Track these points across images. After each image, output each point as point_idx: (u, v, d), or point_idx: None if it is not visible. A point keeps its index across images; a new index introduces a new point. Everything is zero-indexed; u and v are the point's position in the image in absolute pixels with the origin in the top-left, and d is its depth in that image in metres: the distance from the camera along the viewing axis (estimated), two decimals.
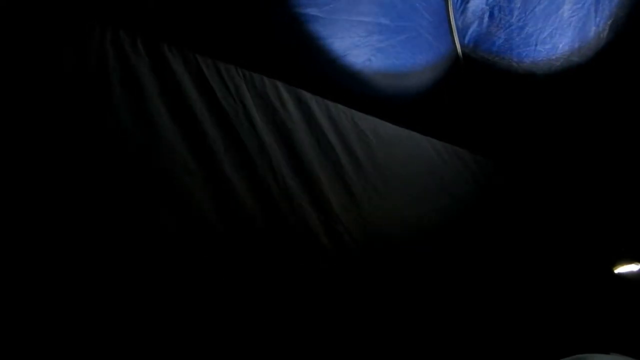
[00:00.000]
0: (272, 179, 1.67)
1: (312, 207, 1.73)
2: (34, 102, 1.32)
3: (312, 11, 2.02)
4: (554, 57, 2.72)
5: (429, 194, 2.28)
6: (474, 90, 2.98)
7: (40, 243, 1.20)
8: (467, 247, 2.31)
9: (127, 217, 1.33)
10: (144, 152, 1.42)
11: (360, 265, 1.82)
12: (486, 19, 2.98)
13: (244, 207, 1.55)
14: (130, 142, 1.41)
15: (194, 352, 1.32)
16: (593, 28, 2.50)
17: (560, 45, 2.65)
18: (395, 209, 2.06)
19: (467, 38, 3.07)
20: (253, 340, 1.43)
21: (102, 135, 1.36)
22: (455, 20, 3.13)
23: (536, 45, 2.78)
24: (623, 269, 2.61)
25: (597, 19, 2.48)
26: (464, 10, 3.07)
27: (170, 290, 1.33)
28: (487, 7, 2.94)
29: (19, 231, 1.19)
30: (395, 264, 1.93)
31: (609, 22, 2.44)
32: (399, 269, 1.93)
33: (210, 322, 1.37)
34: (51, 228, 1.23)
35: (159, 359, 1.27)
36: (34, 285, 1.16)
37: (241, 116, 1.68)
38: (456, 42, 3.08)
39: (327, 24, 2.10)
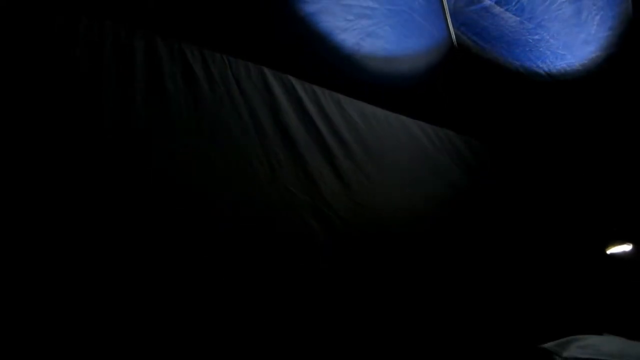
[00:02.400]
0: (259, 165, 1.66)
1: (300, 193, 1.72)
2: (24, 92, 1.32)
3: None
4: (543, 47, 2.71)
5: (418, 177, 2.26)
6: (466, 74, 2.96)
7: (37, 239, 1.20)
8: (458, 230, 2.31)
9: (114, 211, 1.32)
10: (129, 143, 1.41)
11: (351, 249, 1.81)
12: (478, 3, 2.95)
13: (231, 194, 1.55)
14: (117, 133, 1.40)
15: (184, 346, 1.32)
16: (584, 14, 2.48)
17: (550, 35, 2.64)
18: (386, 193, 2.05)
19: (459, 22, 3.04)
20: (244, 330, 1.43)
21: (87, 128, 1.35)
22: (447, 3, 3.09)
23: (526, 34, 2.76)
24: (615, 249, 2.62)
25: (588, 10, 2.47)
26: None
27: (160, 285, 1.32)
28: None
29: (18, 227, 1.18)
30: (386, 248, 1.93)
31: (600, 13, 2.43)
32: (390, 253, 1.93)
33: (199, 311, 1.37)
34: (45, 224, 1.22)
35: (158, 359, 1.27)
36: (31, 285, 1.16)
37: (226, 103, 1.67)
38: (449, 25, 3.05)
39: (312, 8, 2.07)
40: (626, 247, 2.55)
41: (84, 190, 1.30)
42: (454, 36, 3.05)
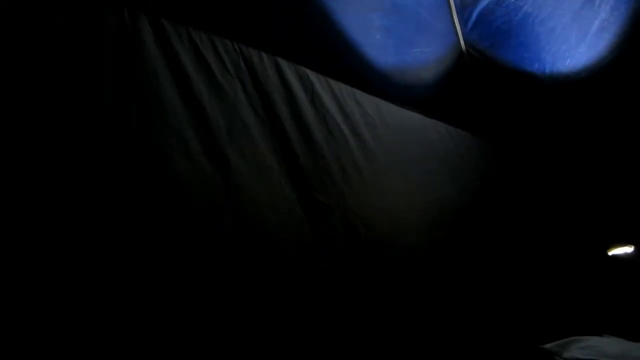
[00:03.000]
0: (276, 165, 1.57)
1: (322, 196, 1.65)
2: (26, 83, 1.18)
3: None
4: (552, 39, 2.66)
5: (435, 177, 2.25)
6: (472, 72, 2.92)
7: (37, 239, 1.10)
8: (467, 230, 2.32)
9: (122, 208, 1.22)
10: (139, 134, 1.30)
11: (373, 254, 1.77)
12: None
13: (249, 194, 1.46)
14: (123, 130, 1.28)
15: (199, 345, 1.25)
16: (596, 4, 2.40)
17: (562, 24, 2.58)
18: (405, 195, 2.03)
19: (465, 18, 2.99)
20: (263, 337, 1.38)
21: (93, 117, 1.23)
22: (454, 2, 3.03)
23: (533, 26, 2.70)
24: (617, 251, 2.65)
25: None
26: None
27: (169, 289, 1.24)
28: None
29: (18, 227, 1.08)
30: (405, 251, 1.90)
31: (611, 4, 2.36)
32: (408, 256, 1.91)
33: (216, 321, 1.30)
34: (45, 224, 1.12)
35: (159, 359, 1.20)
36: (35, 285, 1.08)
37: (240, 95, 1.57)
38: (455, 22, 2.99)
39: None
40: (628, 249, 2.58)
41: (92, 190, 1.20)
42: (460, 33, 3.00)
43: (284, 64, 1.76)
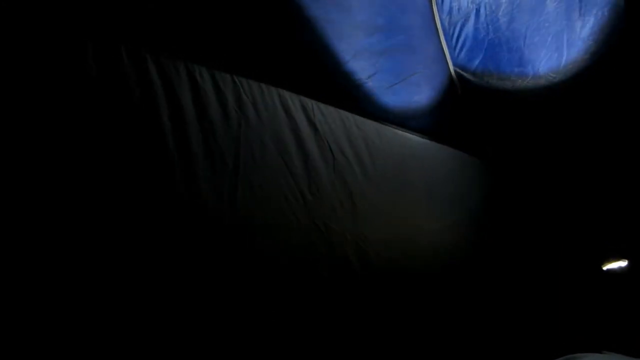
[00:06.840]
0: (287, 194, 1.58)
1: (335, 224, 1.68)
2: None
3: (312, 12, 1.90)
4: (543, 53, 2.67)
5: (437, 198, 2.27)
6: (463, 91, 2.95)
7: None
8: (473, 250, 2.35)
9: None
10: (144, 169, 1.31)
11: (384, 281, 1.80)
12: (472, 16, 2.93)
13: (258, 225, 1.45)
14: (129, 159, 1.27)
15: None
16: (579, 21, 2.42)
17: (549, 40, 2.60)
18: (411, 221, 2.05)
19: (454, 38, 3.03)
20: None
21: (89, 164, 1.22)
22: (441, 21, 3.07)
23: (525, 39, 2.72)
24: (611, 265, 2.67)
25: (583, 9, 2.42)
26: (450, 10, 3.02)
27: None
28: (474, 5, 2.89)
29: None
30: (415, 277, 1.93)
31: (593, 12, 2.37)
32: (414, 284, 1.92)
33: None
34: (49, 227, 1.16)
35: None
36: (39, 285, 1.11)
37: (244, 127, 1.56)
38: (442, 43, 3.03)
39: (323, 27, 1.99)
40: (622, 263, 2.61)
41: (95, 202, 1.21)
42: (447, 53, 3.04)
43: (285, 94, 1.75)
